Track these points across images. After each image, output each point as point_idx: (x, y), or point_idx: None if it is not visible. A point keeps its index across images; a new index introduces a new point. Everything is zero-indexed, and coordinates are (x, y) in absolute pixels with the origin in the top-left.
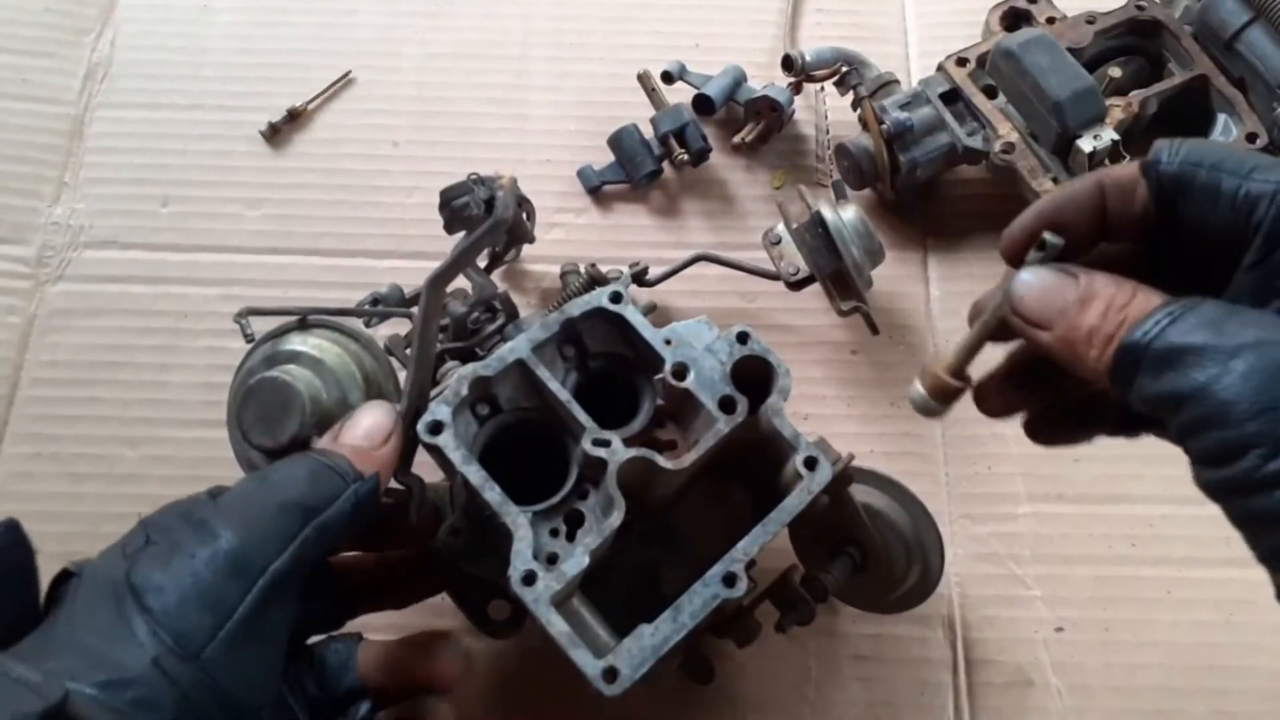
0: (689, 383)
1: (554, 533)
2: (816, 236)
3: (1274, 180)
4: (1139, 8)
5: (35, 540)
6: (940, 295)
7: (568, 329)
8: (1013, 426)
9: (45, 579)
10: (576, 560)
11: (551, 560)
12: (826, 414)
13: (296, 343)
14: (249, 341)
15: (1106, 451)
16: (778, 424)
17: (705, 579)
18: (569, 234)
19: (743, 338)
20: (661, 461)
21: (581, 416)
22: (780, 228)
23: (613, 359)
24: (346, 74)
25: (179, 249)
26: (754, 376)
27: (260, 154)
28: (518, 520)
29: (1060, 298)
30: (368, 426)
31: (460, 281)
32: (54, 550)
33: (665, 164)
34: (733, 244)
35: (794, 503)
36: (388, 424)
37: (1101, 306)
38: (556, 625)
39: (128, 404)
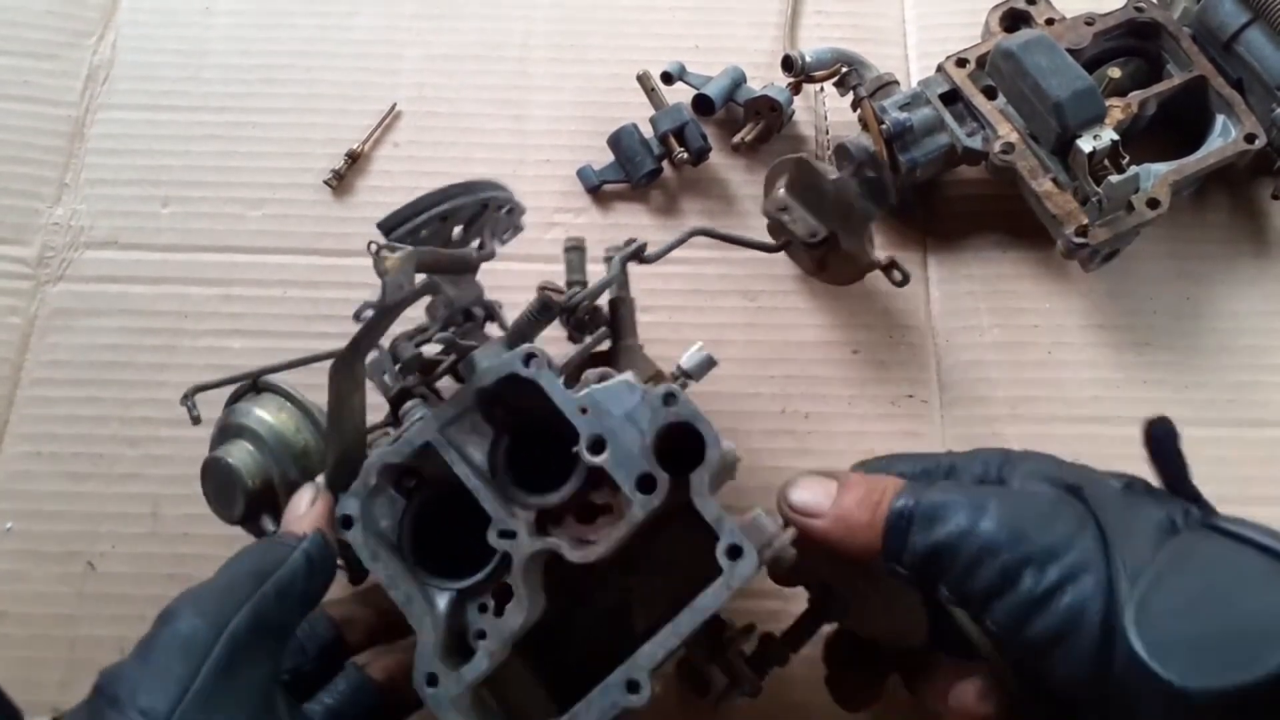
0: (604, 459)
1: (483, 608)
2: (864, 180)
3: (985, 580)
4: (1138, 9)
5: (35, 540)
6: (940, 295)
7: (484, 399)
8: (1015, 427)
9: (45, 572)
10: (475, 665)
11: (481, 635)
12: (827, 413)
13: (243, 414)
14: (195, 423)
15: (1106, 450)
16: (699, 504)
17: (606, 685)
18: (569, 234)
19: (669, 399)
20: (568, 554)
21: (488, 506)
22: (782, 192)
23: (548, 411)
24: (393, 107)
25: (180, 249)
26: (686, 440)
27: (262, 155)
28: (422, 622)
29: (824, 489)
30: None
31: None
32: (54, 550)
33: (665, 163)
34: None
35: (711, 601)
36: (312, 496)
37: (862, 489)
38: None
39: (128, 404)
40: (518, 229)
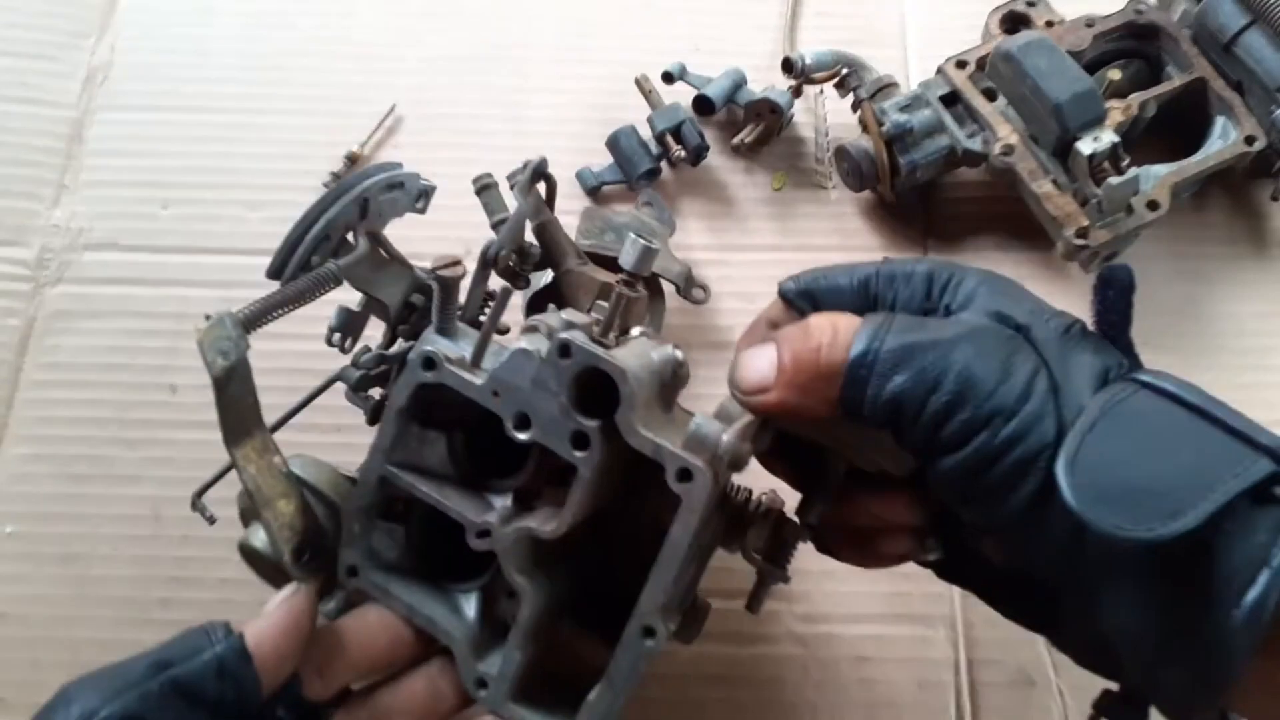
0: (533, 434)
1: (510, 594)
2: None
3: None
4: (1137, 11)
5: (34, 542)
6: None
7: (411, 414)
8: None
9: (45, 574)
10: (507, 661)
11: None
12: None
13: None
14: (210, 523)
15: None
16: (633, 443)
17: (624, 641)
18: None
19: (564, 352)
20: (540, 530)
21: (456, 514)
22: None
23: None
24: (393, 108)
25: (179, 250)
26: (605, 385)
27: (262, 156)
28: (452, 636)
29: (767, 358)
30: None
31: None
32: (52, 551)
33: (664, 164)
34: (733, 244)
35: (681, 534)
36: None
37: (800, 340)
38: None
39: (127, 406)
40: (425, 194)
